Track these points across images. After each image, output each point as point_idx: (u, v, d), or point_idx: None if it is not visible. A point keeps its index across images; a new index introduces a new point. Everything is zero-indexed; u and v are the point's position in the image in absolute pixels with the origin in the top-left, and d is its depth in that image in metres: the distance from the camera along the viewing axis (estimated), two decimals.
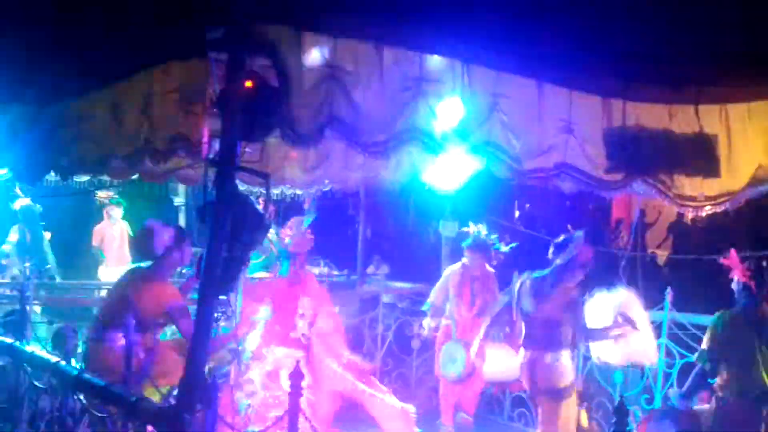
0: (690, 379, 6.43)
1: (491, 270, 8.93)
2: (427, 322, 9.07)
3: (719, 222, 6.19)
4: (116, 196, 12.39)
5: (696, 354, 6.42)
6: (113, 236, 12.58)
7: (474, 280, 8.82)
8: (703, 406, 6.27)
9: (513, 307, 6.92)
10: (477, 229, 8.88)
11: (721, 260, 6.29)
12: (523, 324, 6.76)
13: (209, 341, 4.48)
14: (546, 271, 6.75)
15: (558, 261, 6.70)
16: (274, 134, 4.92)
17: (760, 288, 6.13)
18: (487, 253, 8.84)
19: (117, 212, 12.56)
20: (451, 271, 9.03)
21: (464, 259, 8.92)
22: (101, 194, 12.21)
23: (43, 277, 10.48)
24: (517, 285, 6.88)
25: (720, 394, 6.06)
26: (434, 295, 9.02)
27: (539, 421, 6.65)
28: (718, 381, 6.11)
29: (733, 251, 6.29)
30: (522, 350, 6.77)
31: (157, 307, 6.11)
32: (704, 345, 6.20)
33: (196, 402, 4.35)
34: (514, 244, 8.96)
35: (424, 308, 9.13)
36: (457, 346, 8.52)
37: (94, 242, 12.57)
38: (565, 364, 6.52)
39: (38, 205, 11.36)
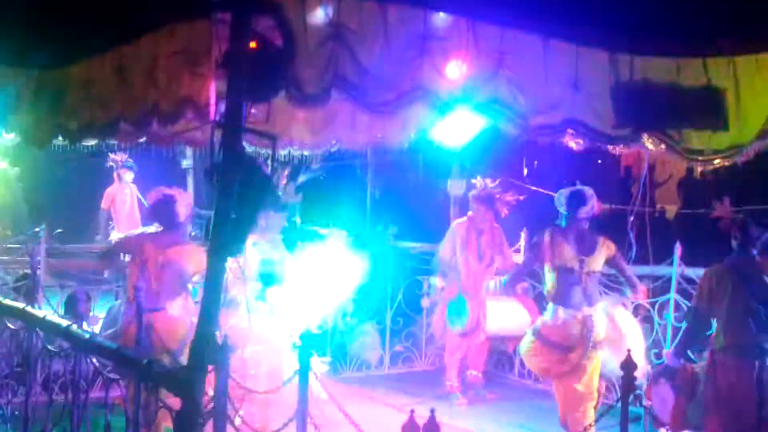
0: (680, 336, 6.44)
1: (497, 225, 8.95)
2: (436, 282, 9.10)
3: (729, 177, 6.15)
4: (130, 160, 12.41)
5: (686, 311, 6.42)
6: (123, 200, 12.59)
7: (481, 233, 8.83)
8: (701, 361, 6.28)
9: (539, 262, 6.88)
10: (484, 182, 8.89)
11: (714, 213, 6.29)
12: (558, 281, 6.69)
13: (220, 301, 4.50)
14: (569, 224, 6.74)
15: (581, 215, 6.70)
16: (280, 95, 4.91)
17: (752, 241, 6.10)
18: (493, 205, 8.84)
19: (129, 176, 12.55)
20: (456, 224, 9.05)
21: (470, 212, 8.93)
22: (115, 157, 12.25)
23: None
24: (547, 239, 6.79)
25: (712, 347, 6.06)
26: (442, 249, 9.05)
27: (572, 376, 6.64)
28: (711, 335, 6.10)
29: (726, 201, 6.28)
30: (558, 307, 6.71)
31: (199, 267, 6.23)
32: (693, 302, 6.18)
33: (208, 362, 4.38)
34: (520, 197, 8.95)
35: (435, 262, 9.15)
36: (462, 299, 8.57)
37: (104, 206, 12.58)
38: None
39: (16, 168, 11.37)
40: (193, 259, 6.33)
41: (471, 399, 8.86)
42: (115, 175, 12.58)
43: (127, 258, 7.04)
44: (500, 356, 9.88)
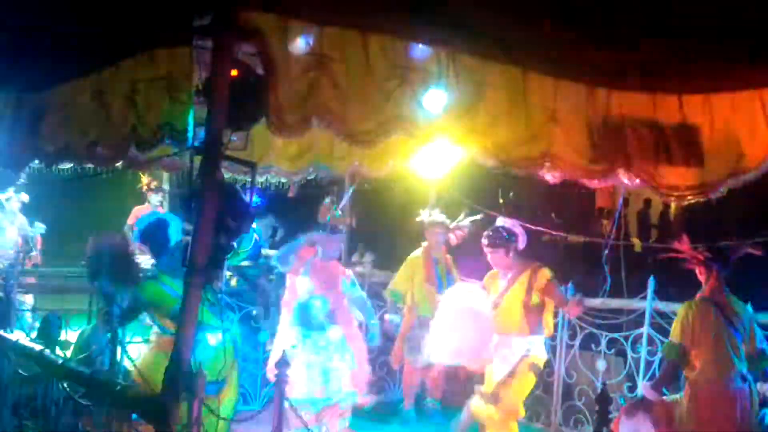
0: (661, 371, 6.45)
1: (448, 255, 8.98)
2: (392, 317, 9.05)
3: (709, 209, 6.22)
4: (156, 182, 12.42)
5: (664, 347, 6.43)
6: None
7: (437, 262, 8.84)
8: (675, 395, 6.31)
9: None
10: (433, 211, 8.93)
11: (675, 245, 6.38)
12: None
13: (194, 329, 4.48)
14: None
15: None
16: (260, 123, 4.92)
17: (721, 271, 6.20)
18: (445, 229, 8.85)
19: (155, 198, 12.47)
20: (413, 258, 9.02)
21: (425, 243, 8.95)
22: (144, 180, 12.28)
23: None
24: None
25: (694, 380, 6.10)
26: (396, 283, 9.01)
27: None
28: (690, 369, 6.13)
29: (684, 238, 6.36)
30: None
31: None
32: (674, 338, 6.19)
33: (181, 390, 4.36)
34: (476, 217, 8.91)
35: (388, 295, 9.11)
36: (422, 332, 8.51)
37: (130, 221, 12.46)
38: None
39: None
40: None
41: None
42: (148, 195, 12.54)
43: None
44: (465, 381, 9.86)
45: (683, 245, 6.31)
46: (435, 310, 8.62)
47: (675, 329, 6.23)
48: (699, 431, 6.01)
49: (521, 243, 7.25)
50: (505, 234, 7.21)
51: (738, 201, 6.31)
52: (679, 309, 6.34)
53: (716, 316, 6.06)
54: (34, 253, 11.49)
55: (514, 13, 4.91)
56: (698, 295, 6.26)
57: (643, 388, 6.36)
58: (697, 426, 6.01)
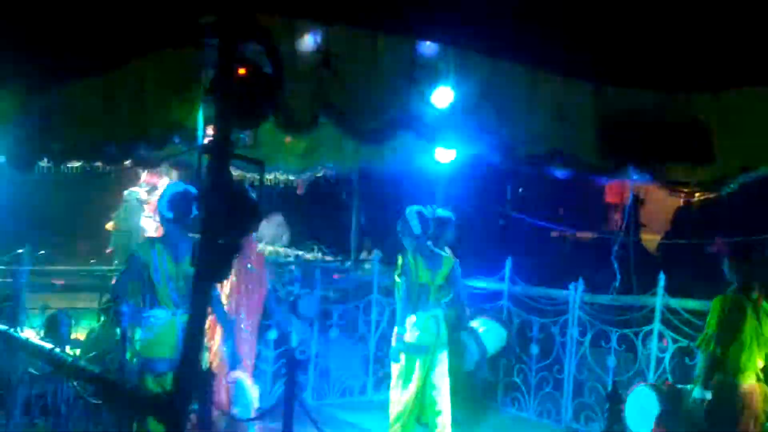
0: (701, 366, 6.38)
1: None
2: None
3: (715, 206, 6.20)
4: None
5: (701, 339, 6.34)
6: None
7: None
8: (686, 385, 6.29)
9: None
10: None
11: (712, 247, 6.32)
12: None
13: (204, 329, 4.48)
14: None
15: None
16: (268, 121, 4.91)
17: (749, 270, 6.14)
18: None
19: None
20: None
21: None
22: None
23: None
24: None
25: (720, 375, 6.08)
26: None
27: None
28: (723, 365, 6.12)
29: (719, 239, 6.32)
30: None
31: None
32: (711, 329, 6.13)
33: (192, 391, 4.35)
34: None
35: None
36: None
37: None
38: None
39: None
40: None
41: None
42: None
43: None
44: (483, 384, 9.84)
45: (720, 245, 6.29)
46: None
47: (711, 321, 6.15)
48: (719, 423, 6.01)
49: None
50: None
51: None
52: (712, 303, 6.26)
53: (747, 312, 6.03)
54: None
55: (522, 12, 4.91)
56: (733, 290, 6.22)
57: (695, 394, 6.26)
58: (720, 418, 6.01)
